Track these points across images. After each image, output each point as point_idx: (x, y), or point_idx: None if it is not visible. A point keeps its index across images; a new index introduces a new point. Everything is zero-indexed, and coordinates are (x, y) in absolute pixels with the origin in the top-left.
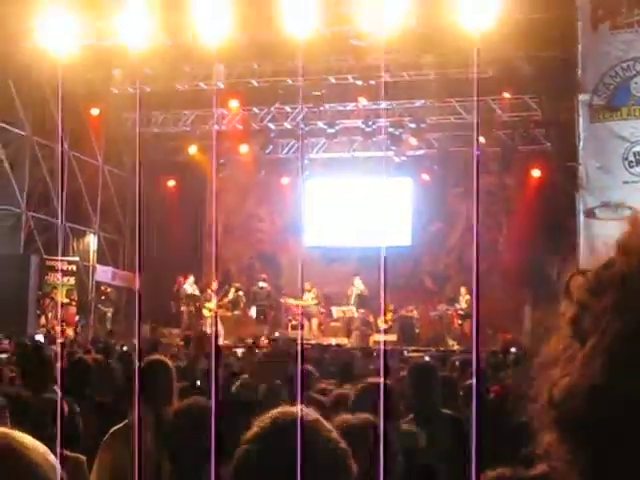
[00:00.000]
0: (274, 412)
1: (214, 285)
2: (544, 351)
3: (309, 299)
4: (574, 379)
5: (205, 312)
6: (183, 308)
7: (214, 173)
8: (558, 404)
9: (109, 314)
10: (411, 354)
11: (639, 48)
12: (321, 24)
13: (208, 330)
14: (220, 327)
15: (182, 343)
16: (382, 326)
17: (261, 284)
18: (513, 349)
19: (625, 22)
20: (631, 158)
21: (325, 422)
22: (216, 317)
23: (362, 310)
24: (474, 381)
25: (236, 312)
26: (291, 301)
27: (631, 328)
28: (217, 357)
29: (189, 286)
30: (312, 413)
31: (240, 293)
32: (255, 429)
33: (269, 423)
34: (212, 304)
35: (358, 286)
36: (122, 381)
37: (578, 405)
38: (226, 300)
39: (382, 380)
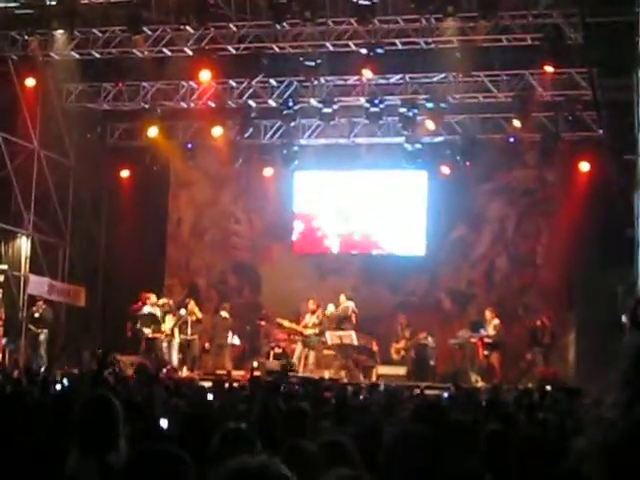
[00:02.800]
0: (235, 464)
1: (170, 301)
2: (600, 385)
3: (310, 323)
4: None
5: (162, 336)
6: (141, 329)
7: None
8: (614, 451)
9: (42, 336)
10: (425, 391)
11: None
12: None
13: (166, 358)
14: (174, 355)
15: (134, 373)
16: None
17: (223, 314)
18: (549, 387)
19: None
20: None
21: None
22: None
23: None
24: None
25: (194, 337)
26: (287, 324)
27: None
28: (177, 390)
29: (149, 306)
30: (278, 466)
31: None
32: None
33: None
34: (167, 325)
35: (345, 304)
36: (59, 421)
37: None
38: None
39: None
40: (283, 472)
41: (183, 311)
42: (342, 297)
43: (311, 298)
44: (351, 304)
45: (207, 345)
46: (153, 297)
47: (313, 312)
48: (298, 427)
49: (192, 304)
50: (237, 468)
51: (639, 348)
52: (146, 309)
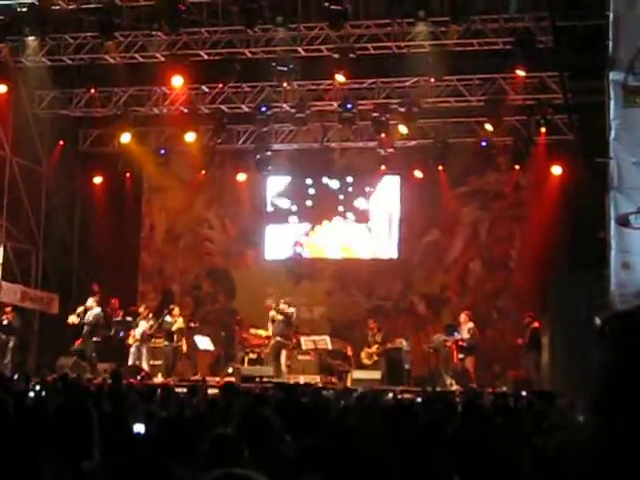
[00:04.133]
0: (217, 473)
1: (141, 308)
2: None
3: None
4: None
5: (130, 341)
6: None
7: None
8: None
9: (10, 344)
10: (400, 395)
11: None
12: None
13: (130, 363)
14: (145, 361)
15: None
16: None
17: (168, 318)
18: (524, 392)
19: None
20: None
21: None
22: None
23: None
24: None
25: (179, 343)
26: (256, 332)
27: None
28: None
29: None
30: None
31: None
32: None
33: None
34: (138, 331)
35: (283, 309)
36: (32, 428)
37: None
38: (155, 327)
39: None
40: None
41: (168, 317)
42: (282, 305)
43: (277, 305)
44: (292, 309)
45: (185, 348)
46: (90, 300)
47: (272, 322)
48: (261, 433)
49: (177, 310)
50: (220, 477)
51: (611, 367)
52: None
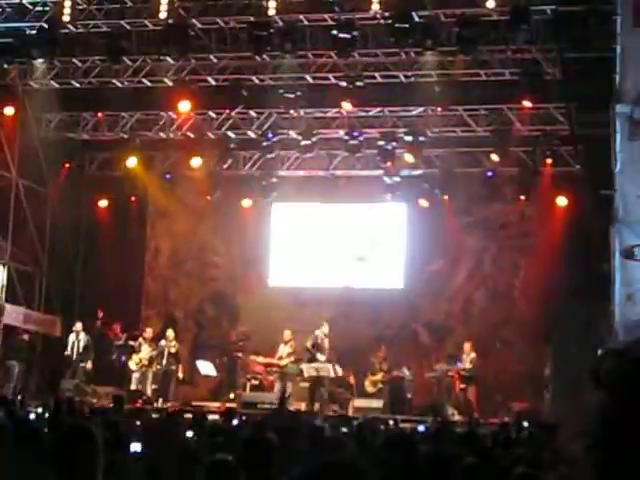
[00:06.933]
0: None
1: (148, 332)
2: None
3: (285, 353)
4: None
5: (131, 365)
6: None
7: None
8: None
9: (17, 369)
10: (402, 424)
11: None
12: (297, 8)
13: (133, 387)
14: (149, 386)
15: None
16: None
17: (163, 342)
18: (526, 423)
19: None
20: None
21: None
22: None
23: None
24: None
25: (172, 367)
26: (255, 359)
27: None
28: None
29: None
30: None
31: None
32: None
33: None
34: (143, 355)
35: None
36: (32, 452)
37: None
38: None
39: None
40: None
41: (163, 342)
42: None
43: (287, 329)
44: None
45: (181, 375)
46: (78, 324)
47: (286, 342)
48: (263, 458)
49: (172, 333)
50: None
51: (604, 411)
52: None
